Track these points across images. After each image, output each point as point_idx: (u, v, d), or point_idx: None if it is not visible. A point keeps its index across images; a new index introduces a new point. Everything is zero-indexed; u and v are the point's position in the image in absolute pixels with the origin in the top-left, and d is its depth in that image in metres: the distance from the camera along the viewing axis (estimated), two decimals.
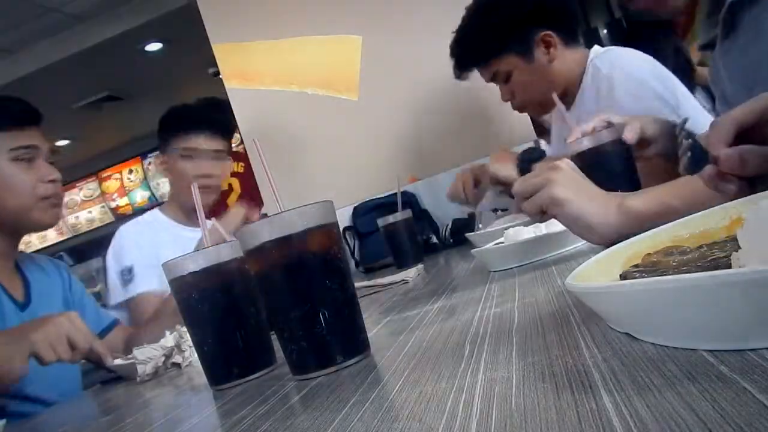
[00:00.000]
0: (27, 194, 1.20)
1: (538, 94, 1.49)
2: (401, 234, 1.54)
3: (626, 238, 0.51)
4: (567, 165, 0.78)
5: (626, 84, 1.34)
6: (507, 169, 1.49)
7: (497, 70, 1.49)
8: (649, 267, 0.43)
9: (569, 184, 0.74)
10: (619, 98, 1.33)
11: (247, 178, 2.99)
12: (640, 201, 0.71)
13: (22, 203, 1.20)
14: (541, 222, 0.84)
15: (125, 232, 1.72)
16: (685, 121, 0.96)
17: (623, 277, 0.43)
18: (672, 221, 0.51)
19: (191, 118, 1.74)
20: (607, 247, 0.51)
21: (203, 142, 1.70)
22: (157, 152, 1.83)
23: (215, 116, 1.81)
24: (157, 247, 1.59)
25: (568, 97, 1.48)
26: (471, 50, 1.51)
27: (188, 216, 1.73)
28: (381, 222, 1.56)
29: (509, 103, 1.55)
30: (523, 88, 1.50)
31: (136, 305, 1.59)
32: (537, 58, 1.45)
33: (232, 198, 3.02)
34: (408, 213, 1.56)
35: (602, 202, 0.73)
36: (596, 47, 1.49)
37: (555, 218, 0.78)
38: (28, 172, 1.21)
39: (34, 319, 1.07)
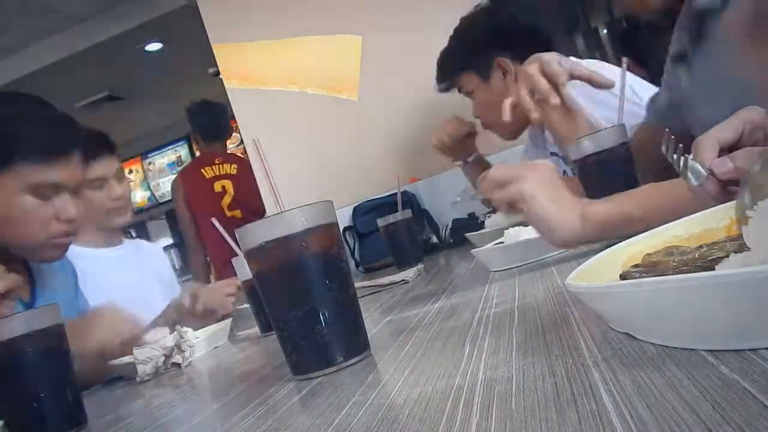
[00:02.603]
0: (37, 233, 1.10)
1: (497, 117, 1.50)
2: (401, 234, 1.54)
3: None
4: (545, 165, 0.78)
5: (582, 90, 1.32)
6: (454, 129, 1.64)
7: (462, 87, 1.58)
8: (649, 267, 0.43)
9: (540, 184, 0.75)
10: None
11: (240, 180, 2.89)
12: (601, 209, 0.72)
13: (32, 240, 1.11)
14: (506, 212, 0.83)
15: None
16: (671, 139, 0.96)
17: (623, 277, 0.43)
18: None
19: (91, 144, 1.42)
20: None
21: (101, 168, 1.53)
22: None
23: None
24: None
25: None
26: (443, 64, 1.61)
27: (107, 238, 1.64)
28: (381, 222, 1.56)
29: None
30: (483, 108, 1.58)
31: None
32: (494, 81, 1.51)
33: (226, 200, 2.91)
34: (408, 213, 1.56)
35: (567, 207, 0.74)
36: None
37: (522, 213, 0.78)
38: (44, 207, 1.09)
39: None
